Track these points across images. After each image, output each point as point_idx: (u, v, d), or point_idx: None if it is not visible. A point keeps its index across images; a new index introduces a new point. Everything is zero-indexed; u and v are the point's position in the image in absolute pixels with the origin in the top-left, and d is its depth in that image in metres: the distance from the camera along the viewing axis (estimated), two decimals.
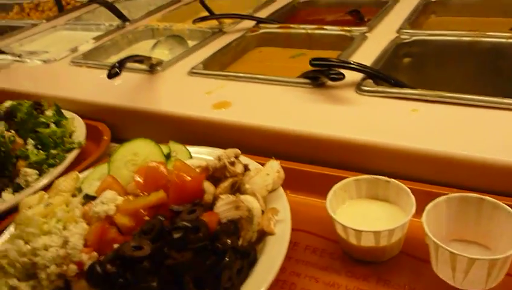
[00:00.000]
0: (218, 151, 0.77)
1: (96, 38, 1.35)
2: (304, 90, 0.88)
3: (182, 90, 0.97)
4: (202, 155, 0.78)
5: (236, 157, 0.69)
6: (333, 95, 0.85)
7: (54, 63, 1.24)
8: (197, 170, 0.70)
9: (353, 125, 0.76)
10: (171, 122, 0.90)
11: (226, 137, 0.85)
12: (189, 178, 0.65)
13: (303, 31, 1.15)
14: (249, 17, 1.26)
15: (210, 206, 0.63)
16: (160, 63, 1.06)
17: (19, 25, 1.68)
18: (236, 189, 0.67)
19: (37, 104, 0.97)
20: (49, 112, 0.96)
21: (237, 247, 0.58)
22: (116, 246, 0.57)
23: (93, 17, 1.64)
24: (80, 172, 0.79)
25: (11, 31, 1.60)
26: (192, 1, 1.58)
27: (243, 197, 0.62)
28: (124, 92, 1.00)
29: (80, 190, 0.74)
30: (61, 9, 1.81)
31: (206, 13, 1.31)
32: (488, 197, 0.59)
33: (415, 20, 1.13)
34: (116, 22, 1.47)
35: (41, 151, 0.87)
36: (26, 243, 0.61)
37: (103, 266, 0.54)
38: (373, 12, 1.28)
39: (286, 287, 0.60)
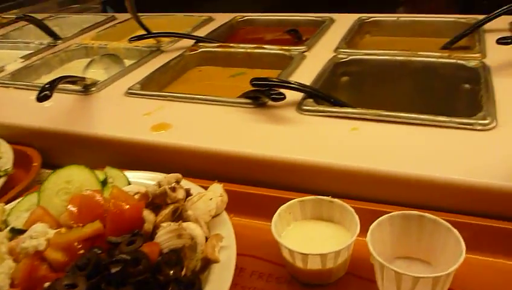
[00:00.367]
0: (159, 176, 0.75)
1: (25, 57, 1.27)
2: (245, 111, 0.87)
3: (119, 112, 0.93)
4: (141, 180, 0.75)
5: (178, 182, 0.66)
6: (275, 115, 0.85)
7: None
8: (135, 197, 0.67)
9: (295, 145, 0.76)
10: (107, 146, 0.86)
11: (167, 160, 0.82)
12: (127, 206, 0.61)
13: (242, 50, 1.15)
14: (188, 36, 1.24)
15: (150, 236, 0.60)
16: (94, 83, 1.01)
17: None
18: (178, 216, 0.64)
19: None
20: None
21: (180, 278, 0.55)
22: (47, 284, 0.53)
23: (22, 35, 1.55)
24: (6, 203, 0.72)
25: None
26: (127, 19, 1.53)
27: (185, 224, 0.59)
28: (55, 114, 0.94)
29: (5, 223, 0.68)
30: None
31: (142, 31, 1.28)
32: (427, 214, 0.60)
33: (350, 39, 1.16)
34: (47, 40, 1.39)
35: None
36: None
37: None
38: (311, 31, 1.31)
39: None
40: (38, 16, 1.51)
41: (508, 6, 1.06)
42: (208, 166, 0.79)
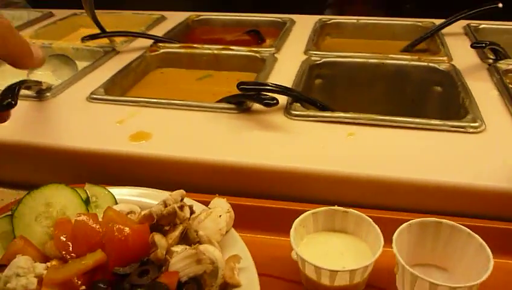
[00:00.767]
0: (146, 191, 0.67)
1: None
2: (229, 116, 0.82)
3: (86, 120, 0.83)
4: (127, 197, 0.67)
5: (182, 199, 0.59)
6: (262, 121, 0.80)
7: None
8: (132, 218, 0.59)
9: (293, 153, 0.72)
10: (76, 159, 0.76)
11: (148, 174, 0.74)
12: (129, 231, 0.53)
13: (209, 51, 1.09)
14: (146, 36, 1.15)
15: (161, 264, 0.53)
16: (49, 87, 0.89)
17: None
18: (184, 237, 0.57)
19: None
20: None
21: None
22: None
23: None
24: None
25: None
26: (68, 16, 1.40)
27: (202, 247, 0.53)
28: (8, 123, 0.82)
29: None
30: None
31: (85, 30, 1.17)
32: (445, 220, 0.60)
33: (316, 41, 1.15)
34: None
35: None
36: None
37: None
38: (270, 32, 1.28)
39: None
40: None
41: (466, 11, 1.10)
42: (197, 178, 0.73)
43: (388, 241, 0.56)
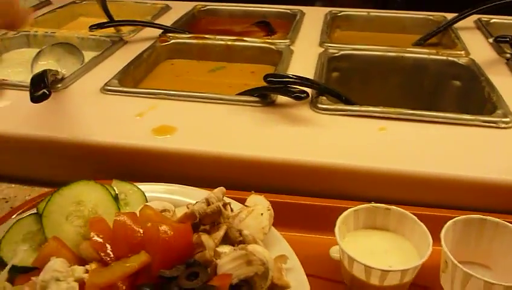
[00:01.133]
0: (174, 188, 0.64)
1: None
2: (253, 109, 0.79)
3: (102, 112, 0.79)
4: (155, 194, 0.64)
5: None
6: (289, 114, 0.78)
7: None
8: (170, 217, 0.56)
9: (327, 148, 0.70)
10: (95, 154, 0.72)
11: (169, 168, 0.71)
12: (173, 231, 0.50)
13: (222, 42, 1.05)
14: (157, 26, 1.11)
15: (207, 265, 0.50)
16: (62, 78, 0.85)
17: None
18: (225, 237, 0.55)
19: None
20: None
21: None
22: None
23: None
24: None
25: None
26: (68, 3, 1.34)
27: (250, 247, 0.50)
28: (21, 116, 0.77)
29: None
30: None
31: (85, 18, 1.12)
32: (490, 217, 0.59)
33: (329, 34, 1.13)
34: None
35: None
36: None
37: None
38: (279, 24, 1.25)
39: None
40: None
41: (482, 5, 1.09)
42: (224, 173, 0.70)
43: None
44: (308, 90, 0.80)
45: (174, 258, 0.50)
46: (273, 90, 0.77)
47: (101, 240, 0.51)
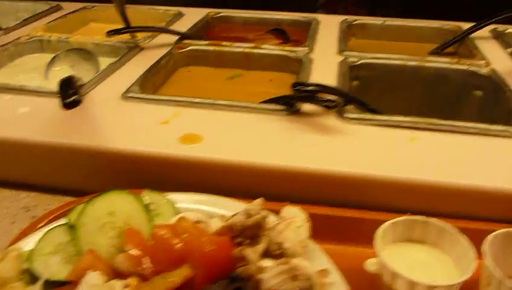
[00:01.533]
0: (203, 198, 0.62)
1: None
2: (279, 118, 0.78)
3: (125, 119, 0.77)
4: (185, 205, 0.62)
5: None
6: (316, 123, 0.76)
7: None
8: (205, 229, 0.54)
9: (359, 158, 0.68)
10: (119, 162, 0.70)
11: (195, 178, 0.69)
12: (215, 245, 0.49)
13: (239, 49, 1.04)
14: (174, 32, 1.09)
15: (250, 280, 0.48)
16: (81, 84, 0.83)
17: None
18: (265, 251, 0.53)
19: None
20: None
21: None
22: None
23: None
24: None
25: None
26: (78, 9, 1.32)
27: (294, 262, 0.49)
28: (41, 124, 0.75)
29: (27, 272, 0.51)
30: None
31: (97, 24, 1.10)
32: None
33: (346, 42, 1.12)
34: None
35: None
36: None
37: None
38: (293, 31, 1.24)
39: None
40: None
41: (500, 15, 1.09)
42: (253, 184, 0.68)
43: None
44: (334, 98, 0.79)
45: (216, 272, 0.48)
46: (301, 99, 0.76)
47: (139, 253, 0.49)
